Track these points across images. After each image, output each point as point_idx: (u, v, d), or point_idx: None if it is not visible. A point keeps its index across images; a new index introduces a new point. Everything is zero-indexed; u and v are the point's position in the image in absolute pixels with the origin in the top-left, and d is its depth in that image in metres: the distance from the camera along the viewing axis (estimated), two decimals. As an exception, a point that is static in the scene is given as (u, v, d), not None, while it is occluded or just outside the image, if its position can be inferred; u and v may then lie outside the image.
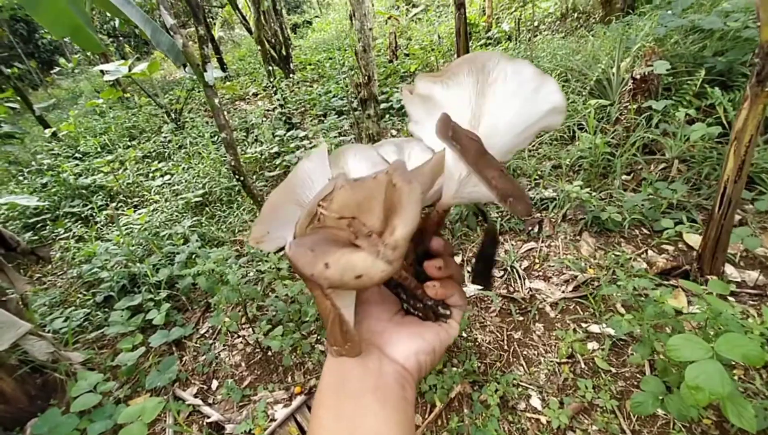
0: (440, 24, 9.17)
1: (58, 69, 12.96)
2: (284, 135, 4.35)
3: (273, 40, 6.96)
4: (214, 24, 13.27)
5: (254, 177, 4.01)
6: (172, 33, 2.10)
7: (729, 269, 2.09)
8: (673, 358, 1.26)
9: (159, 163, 4.75)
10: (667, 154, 2.82)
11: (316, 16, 14.91)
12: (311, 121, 4.84)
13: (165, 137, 5.41)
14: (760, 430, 1.31)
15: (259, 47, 5.40)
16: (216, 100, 2.22)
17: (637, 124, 2.93)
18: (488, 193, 0.36)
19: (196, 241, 2.87)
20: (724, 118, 2.74)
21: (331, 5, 15.65)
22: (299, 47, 10.54)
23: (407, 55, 7.18)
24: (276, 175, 3.96)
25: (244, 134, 4.73)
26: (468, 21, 7.45)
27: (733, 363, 1.63)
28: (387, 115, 4.96)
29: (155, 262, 2.77)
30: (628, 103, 3.10)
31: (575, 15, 6.76)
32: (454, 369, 1.91)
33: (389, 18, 10.65)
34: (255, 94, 7.03)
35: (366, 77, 3.31)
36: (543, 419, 1.67)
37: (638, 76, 2.99)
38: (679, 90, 3.13)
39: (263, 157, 4.10)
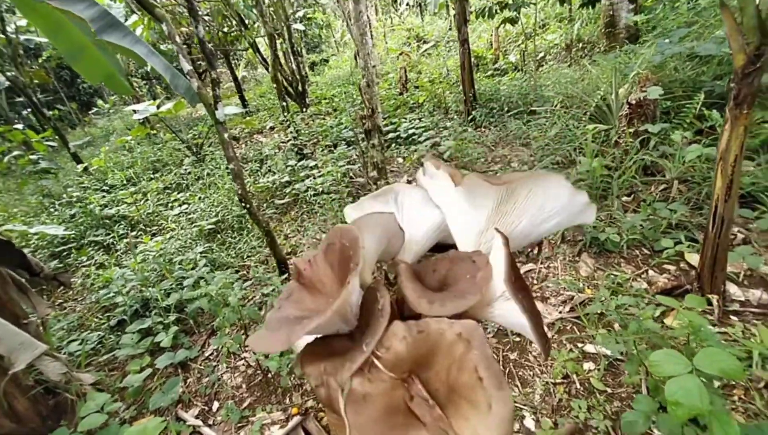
0: (449, 58, 9.55)
1: (95, 109, 14.05)
2: (295, 165, 4.56)
3: (290, 78, 7.42)
4: (238, 65, 14.22)
5: (265, 205, 4.20)
6: (188, 77, 2.33)
7: (732, 288, 2.04)
8: (655, 374, 1.25)
9: (178, 193, 5.03)
10: (667, 175, 2.83)
11: (333, 55, 15.76)
12: (322, 151, 5.06)
13: (185, 169, 5.75)
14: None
15: (275, 85, 5.77)
16: (225, 135, 2.42)
17: (633, 147, 2.96)
18: (527, 331, 0.40)
19: (205, 265, 3.01)
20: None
21: (348, 44, 16.56)
22: (316, 83, 11.12)
23: (416, 87, 7.48)
24: (285, 203, 4.14)
25: (258, 165, 4.99)
26: (476, 54, 7.78)
27: (732, 383, 1.58)
28: (393, 144, 5.15)
29: (167, 287, 2.90)
30: (625, 127, 3.15)
31: (580, 45, 6.95)
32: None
33: (401, 54, 11.18)
34: (272, 128, 7.42)
35: (370, 110, 3.50)
36: (537, 443, 1.63)
37: (633, 102, 3.05)
38: (679, 113, 3.17)
39: (275, 186, 4.30)
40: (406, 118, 5.71)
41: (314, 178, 4.13)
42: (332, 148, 5.19)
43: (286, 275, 2.79)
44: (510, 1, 5.37)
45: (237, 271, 3.12)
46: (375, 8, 17.85)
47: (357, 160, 4.52)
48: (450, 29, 12.29)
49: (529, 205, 0.45)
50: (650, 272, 2.29)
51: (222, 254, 3.38)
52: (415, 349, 0.32)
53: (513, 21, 6.36)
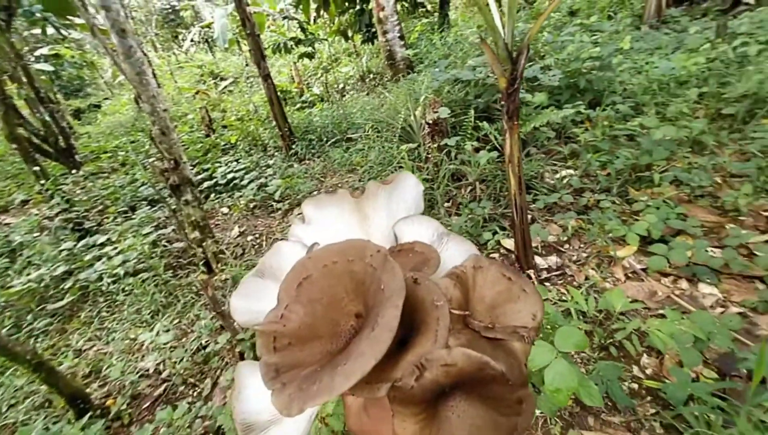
0: (253, 94, 9.25)
1: None
2: (74, 246, 3.39)
3: (43, 132, 5.62)
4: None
5: (30, 317, 2.93)
6: None
7: (538, 260, 2.50)
8: (531, 367, 1.33)
9: None
10: (470, 178, 3.35)
11: (106, 99, 13.11)
12: (114, 220, 3.96)
13: None
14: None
15: (15, 145, 4.23)
16: None
17: (441, 159, 3.40)
18: None
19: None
20: (496, 143, 3.44)
21: (124, 85, 14.07)
22: (88, 135, 8.93)
23: (224, 127, 6.88)
24: (67, 304, 3.00)
25: (7, 260, 3.48)
26: (280, 88, 7.76)
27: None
28: (213, 194, 4.51)
29: None
30: (430, 144, 3.60)
31: (371, 76, 7.82)
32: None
33: (197, 93, 10.19)
34: (24, 202, 5.46)
35: (172, 161, 2.90)
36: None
37: (431, 121, 3.51)
38: (461, 126, 3.83)
39: (43, 284, 3.06)
40: (220, 162, 5.12)
41: (109, 258, 3.15)
42: (129, 214, 4.14)
43: (89, 416, 1.94)
44: (303, 38, 5.53)
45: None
46: (152, 44, 15.88)
47: (168, 221, 3.72)
48: (247, 65, 12.02)
49: (405, 197, 0.49)
50: (484, 265, 2.60)
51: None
52: (462, 291, 0.36)
53: (310, 55, 6.61)
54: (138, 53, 2.78)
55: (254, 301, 0.44)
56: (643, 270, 2.00)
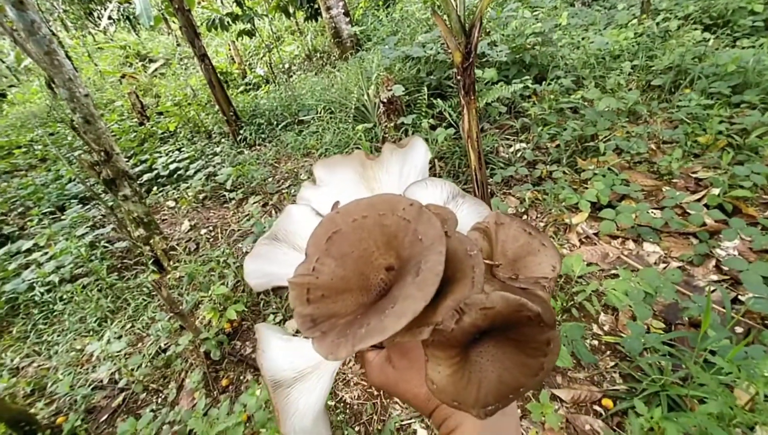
0: (189, 76, 8.53)
1: None
2: (-7, 255, 2.98)
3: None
4: None
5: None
6: None
7: (500, 234, 2.61)
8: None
9: None
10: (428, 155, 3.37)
11: (11, 86, 11.46)
12: (39, 222, 3.52)
13: None
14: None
15: None
16: None
17: (398, 138, 3.37)
18: None
19: None
20: (451, 120, 3.48)
21: (33, 70, 12.34)
22: (-7, 128, 7.79)
23: (160, 114, 6.30)
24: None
25: None
26: (220, 70, 7.21)
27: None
28: (155, 187, 4.15)
29: None
30: (386, 123, 3.55)
31: (318, 55, 7.50)
32: (335, 452, 1.65)
33: (123, 76, 9.20)
34: None
35: (102, 153, 2.60)
36: (435, 448, 1.60)
37: (385, 99, 3.45)
38: (416, 104, 3.82)
39: (-42, 302, 2.67)
40: (160, 152, 4.70)
41: (39, 265, 2.80)
42: (58, 214, 3.70)
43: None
44: (240, 13, 5.14)
45: None
46: (62, 23, 14.01)
47: (106, 220, 3.38)
48: (179, 45, 11.02)
49: (416, 163, 0.49)
50: (448, 241, 2.66)
51: None
52: (488, 245, 0.38)
53: (250, 33, 6.19)
54: (44, 29, 2.41)
55: (267, 264, 0.45)
56: (595, 234, 2.15)
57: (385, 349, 0.43)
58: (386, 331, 0.25)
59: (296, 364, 0.42)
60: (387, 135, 3.49)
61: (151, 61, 10.60)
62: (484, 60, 3.87)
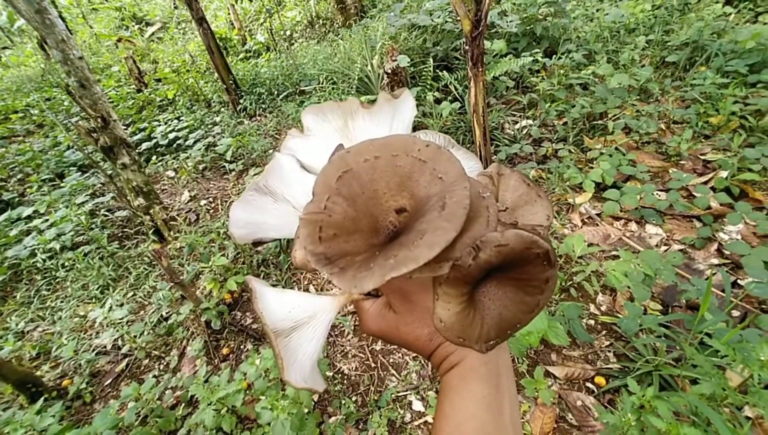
0: (188, 42, 8.26)
1: None
2: (-6, 221, 2.98)
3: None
4: None
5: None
6: None
7: (502, 212, 2.59)
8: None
9: None
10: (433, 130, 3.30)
11: (5, 48, 11.14)
12: (39, 189, 3.50)
13: None
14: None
15: None
16: None
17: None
18: None
19: None
20: (456, 94, 3.38)
21: (26, 32, 11.94)
22: (-13, 92, 7.63)
23: (158, 81, 6.14)
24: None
25: None
26: (219, 36, 6.97)
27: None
28: (155, 156, 4.10)
29: None
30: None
31: (321, 21, 7.22)
32: (333, 419, 1.70)
33: (119, 41, 8.90)
34: None
35: (99, 119, 2.54)
36: (429, 418, 1.65)
37: (389, 71, 3.34)
38: (421, 76, 3.70)
39: (-39, 266, 2.69)
40: (159, 121, 4.61)
41: (39, 232, 2.81)
42: (57, 182, 3.67)
43: (43, 398, 1.80)
44: (240, -26, 4.90)
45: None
46: (55, -19, 13.40)
47: (106, 188, 3.36)
48: (176, 8, 10.61)
49: (404, 117, 0.48)
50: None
51: None
52: (494, 191, 0.40)
53: (250, -3, 5.94)
54: (34, -15, 2.30)
55: (256, 213, 0.44)
56: (598, 215, 2.13)
57: (383, 297, 0.45)
58: (419, 259, 0.25)
59: (293, 314, 0.42)
60: (390, 108, 3.40)
61: (147, 24, 10.23)
62: (493, 30, 3.71)
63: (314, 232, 0.31)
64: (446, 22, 3.94)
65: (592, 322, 1.67)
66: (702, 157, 2.26)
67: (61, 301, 2.57)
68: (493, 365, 0.39)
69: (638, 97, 2.90)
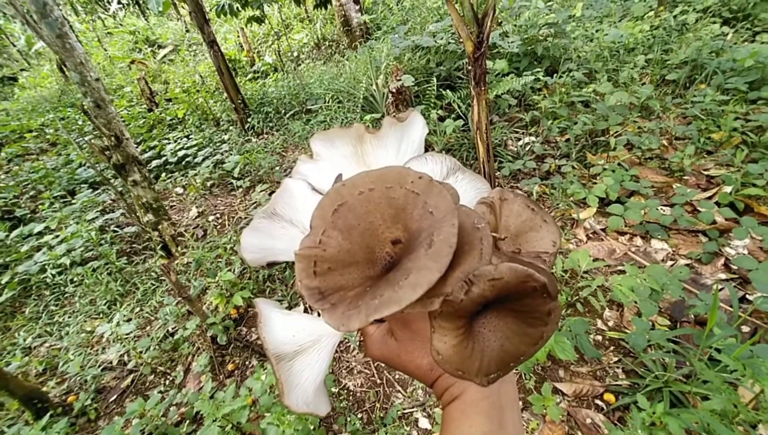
0: (198, 63, 8.52)
1: None
2: (6, 237, 3.04)
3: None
4: None
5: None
6: None
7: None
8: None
9: None
10: (436, 148, 3.35)
11: (23, 70, 11.54)
12: (51, 206, 3.57)
13: None
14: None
15: None
16: None
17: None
18: None
19: None
20: (459, 112, 3.44)
21: (44, 55, 12.40)
22: (5, 111, 7.87)
23: (169, 100, 6.32)
24: (7, 300, 2.71)
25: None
26: (229, 57, 7.19)
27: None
28: (164, 174, 4.18)
29: None
30: (394, 113, 3.53)
31: (327, 43, 7.44)
32: (338, 437, 1.68)
33: (133, 62, 9.21)
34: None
35: (113, 138, 2.62)
36: (436, 436, 1.63)
37: (394, 90, 3.42)
38: (425, 95, 3.78)
39: (-27, 281, 2.73)
40: (168, 139, 4.73)
41: (50, 247, 2.86)
42: (68, 198, 3.75)
43: (49, 415, 1.80)
44: None
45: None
46: (72, 7, 13.99)
47: (116, 205, 3.42)
48: (188, 31, 10.99)
49: (413, 138, 0.49)
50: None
51: None
52: (493, 218, 0.40)
53: (259, 20, 6.16)
54: (56, 11, 2.42)
55: (265, 238, 0.45)
56: (603, 230, 2.14)
57: (386, 323, 0.44)
58: (402, 301, 0.25)
59: (297, 338, 0.42)
60: (395, 126, 3.47)
61: (160, 47, 10.59)
62: (495, 51, 3.81)
63: (309, 266, 0.32)
64: (449, 43, 4.06)
65: (599, 337, 1.66)
66: (705, 173, 2.28)
67: (69, 317, 2.59)
68: (495, 398, 0.38)
69: (639, 114, 2.94)
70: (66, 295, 2.74)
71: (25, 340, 2.47)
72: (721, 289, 1.63)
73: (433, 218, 0.30)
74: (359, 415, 1.75)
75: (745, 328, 1.54)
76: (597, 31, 4.08)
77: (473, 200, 0.47)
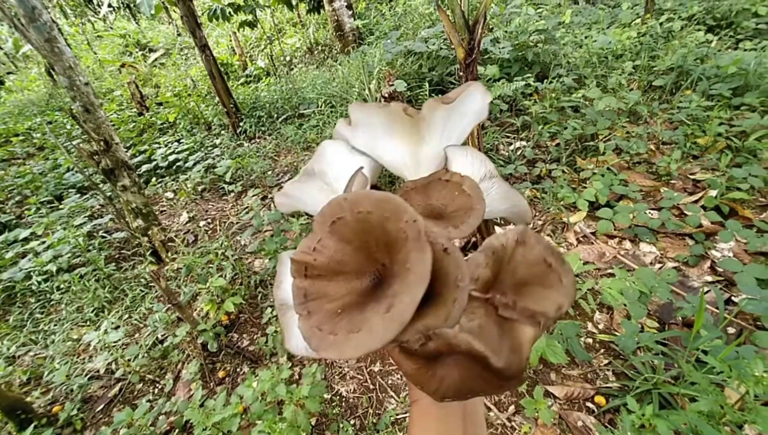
0: (190, 67, 8.48)
1: None
2: (-9, 243, 2.98)
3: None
4: None
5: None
6: None
7: (498, 230, 2.61)
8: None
9: None
10: (428, 153, 3.37)
11: (9, 73, 11.37)
12: (37, 211, 3.51)
13: None
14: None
15: None
16: None
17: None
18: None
19: None
20: (453, 117, 3.47)
21: (32, 58, 12.23)
22: (-10, 116, 7.74)
23: (159, 104, 6.27)
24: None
25: None
26: (221, 61, 7.17)
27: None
28: (154, 178, 4.13)
29: None
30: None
31: (319, 48, 7.46)
32: (330, 444, 1.66)
33: (123, 66, 9.13)
34: None
35: (102, 142, 2.59)
36: (429, 442, 1.62)
37: (387, 95, 3.44)
38: (418, 100, 3.81)
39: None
40: (159, 143, 4.68)
41: (36, 254, 2.80)
42: (55, 204, 3.69)
43: (33, 426, 1.76)
44: (242, 3, 5.11)
45: None
46: (61, 10, 13.85)
47: (105, 210, 3.37)
48: (179, 35, 10.94)
49: (466, 110, 0.45)
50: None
51: None
52: (494, 268, 0.36)
53: (251, 24, 6.15)
54: (45, 15, 2.39)
55: (297, 191, 0.48)
56: (593, 233, 2.16)
57: None
58: (344, 353, 0.27)
59: None
60: (387, 130, 3.49)
61: (151, 50, 10.52)
62: (486, 57, 3.86)
63: (301, 269, 0.34)
64: (441, 49, 4.09)
65: (590, 340, 1.67)
66: (691, 177, 2.32)
67: (55, 325, 2.54)
68: (454, 407, 0.40)
69: (628, 119, 3.00)
70: (52, 303, 2.69)
71: (8, 349, 2.41)
72: (707, 292, 1.66)
73: (403, 279, 0.29)
74: (352, 421, 1.74)
75: (731, 330, 1.57)
76: (586, 37, 4.15)
77: (504, 213, 0.47)
